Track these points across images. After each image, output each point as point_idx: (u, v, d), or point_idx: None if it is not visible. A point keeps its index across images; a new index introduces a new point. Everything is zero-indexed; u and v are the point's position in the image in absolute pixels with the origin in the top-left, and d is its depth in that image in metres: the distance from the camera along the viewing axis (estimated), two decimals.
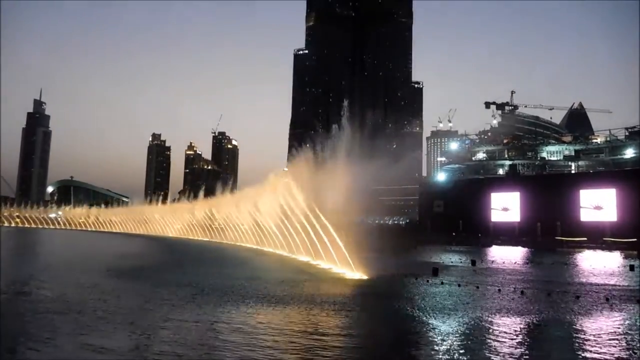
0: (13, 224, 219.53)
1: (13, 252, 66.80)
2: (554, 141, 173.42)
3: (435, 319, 23.51)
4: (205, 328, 20.28)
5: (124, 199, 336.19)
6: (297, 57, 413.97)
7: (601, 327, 22.93)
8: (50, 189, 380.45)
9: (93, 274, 38.11)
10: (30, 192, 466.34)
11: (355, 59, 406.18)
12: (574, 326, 22.98)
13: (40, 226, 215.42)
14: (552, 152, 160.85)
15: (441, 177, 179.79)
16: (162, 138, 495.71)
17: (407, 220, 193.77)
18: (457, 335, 20.67)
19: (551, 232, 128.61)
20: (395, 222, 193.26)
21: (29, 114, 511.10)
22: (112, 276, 36.97)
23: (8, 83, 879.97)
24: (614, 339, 20.34)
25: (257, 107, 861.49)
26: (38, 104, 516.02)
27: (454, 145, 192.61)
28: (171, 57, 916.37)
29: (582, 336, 20.93)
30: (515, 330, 21.75)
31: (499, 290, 33.89)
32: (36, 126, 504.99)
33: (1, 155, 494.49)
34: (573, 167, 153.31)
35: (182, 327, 20.30)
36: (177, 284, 32.64)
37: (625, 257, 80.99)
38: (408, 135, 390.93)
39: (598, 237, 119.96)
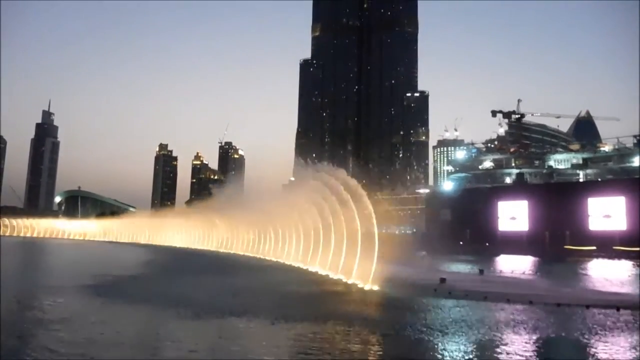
0: (22, 234, 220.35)
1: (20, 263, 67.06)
2: (561, 149, 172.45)
3: (440, 333, 23.23)
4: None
5: (131, 208, 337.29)
6: (303, 67, 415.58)
7: (613, 339, 22.58)
8: (57, 199, 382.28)
9: None
10: (38, 202, 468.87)
11: (361, 68, 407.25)
12: (585, 338, 22.65)
13: (48, 236, 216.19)
14: (559, 161, 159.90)
15: (448, 186, 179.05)
16: (169, 148, 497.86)
17: (414, 230, 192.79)
18: (462, 353, 20.39)
19: (560, 241, 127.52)
20: (402, 231, 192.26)
21: (37, 124, 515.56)
22: None
23: (17, 94, 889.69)
24: (626, 352, 20.03)
25: (264, 116, 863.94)
26: (47, 115, 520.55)
27: (460, 154, 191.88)
28: (178, 68, 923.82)
29: (593, 350, 20.63)
30: (524, 346, 21.46)
31: (508, 300, 33.54)
32: (45, 137, 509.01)
33: (7, 165, 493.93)
34: (581, 176, 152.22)
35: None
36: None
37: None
38: (414, 144, 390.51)
39: (607, 246, 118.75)
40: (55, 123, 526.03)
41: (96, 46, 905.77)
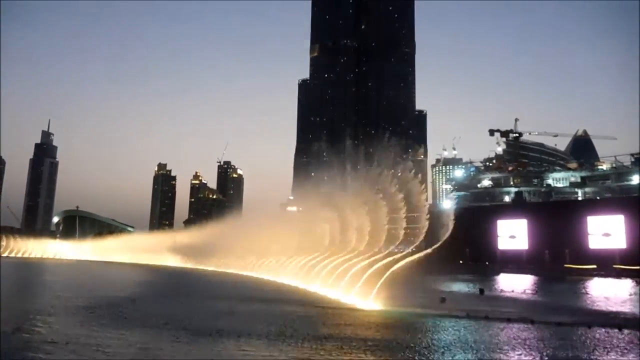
0: (20, 255, 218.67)
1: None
2: (559, 168, 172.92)
3: (440, 354, 22.87)
4: None
5: (129, 228, 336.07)
6: (301, 87, 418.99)
7: None
8: (55, 219, 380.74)
9: None
10: (36, 222, 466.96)
11: (359, 88, 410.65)
12: (588, 358, 22.29)
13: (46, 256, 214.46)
14: (558, 179, 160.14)
15: (447, 204, 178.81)
16: (168, 168, 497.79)
17: (413, 249, 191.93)
18: None
19: (560, 259, 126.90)
20: (401, 250, 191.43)
21: (36, 144, 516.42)
22: None
23: (17, 114, 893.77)
24: None
25: (263, 136, 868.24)
26: (46, 135, 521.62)
27: (459, 173, 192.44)
28: (177, 88, 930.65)
29: None
30: None
31: (509, 319, 33.16)
32: (44, 157, 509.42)
33: (5, 185, 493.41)
34: (580, 194, 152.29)
35: None
36: None
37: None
38: (412, 163, 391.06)
39: (607, 265, 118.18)
40: (54, 143, 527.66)
41: (95, 67, 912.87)
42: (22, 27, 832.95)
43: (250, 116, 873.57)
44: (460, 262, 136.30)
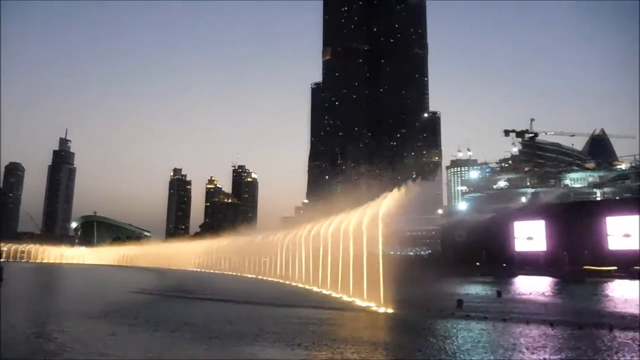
0: (38, 260, 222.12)
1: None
2: (577, 168, 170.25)
3: (457, 358, 22.59)
4: None
5: (146, 233, 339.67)
6: (314, 90, 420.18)
7: None
8: (74, 225, 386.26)
9: None
10: (54, 228, 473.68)
11: (371, 91, 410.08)
12: None
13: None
14: (575, 179, 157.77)
15: (462, 206, 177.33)
16: (183, 173, 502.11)
17: (429, 251, 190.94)
18: None
19: (579, 261, 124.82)
20: (417, 253, 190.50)
21: (54, 151, 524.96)
22: None
23: (35, 123, 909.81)
24: None
25: (276, 140, 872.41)
26: (64, 142, 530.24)
27: (474, 174, 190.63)
28: (191, 94, 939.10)
29: None
30: None
31: (527, 322, 32.65)
32: (61, 163, 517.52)
33: (24, 192, 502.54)
34: (598, 194, 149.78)
35: None
36: None
37: None
38: (427, 165, 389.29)
39: (628, 266, 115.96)
40: (71, 150, 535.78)
41: (110, 74, 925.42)
42: (26, 30, 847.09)
43: (264, 120, 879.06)
44: (477, 264, 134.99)
